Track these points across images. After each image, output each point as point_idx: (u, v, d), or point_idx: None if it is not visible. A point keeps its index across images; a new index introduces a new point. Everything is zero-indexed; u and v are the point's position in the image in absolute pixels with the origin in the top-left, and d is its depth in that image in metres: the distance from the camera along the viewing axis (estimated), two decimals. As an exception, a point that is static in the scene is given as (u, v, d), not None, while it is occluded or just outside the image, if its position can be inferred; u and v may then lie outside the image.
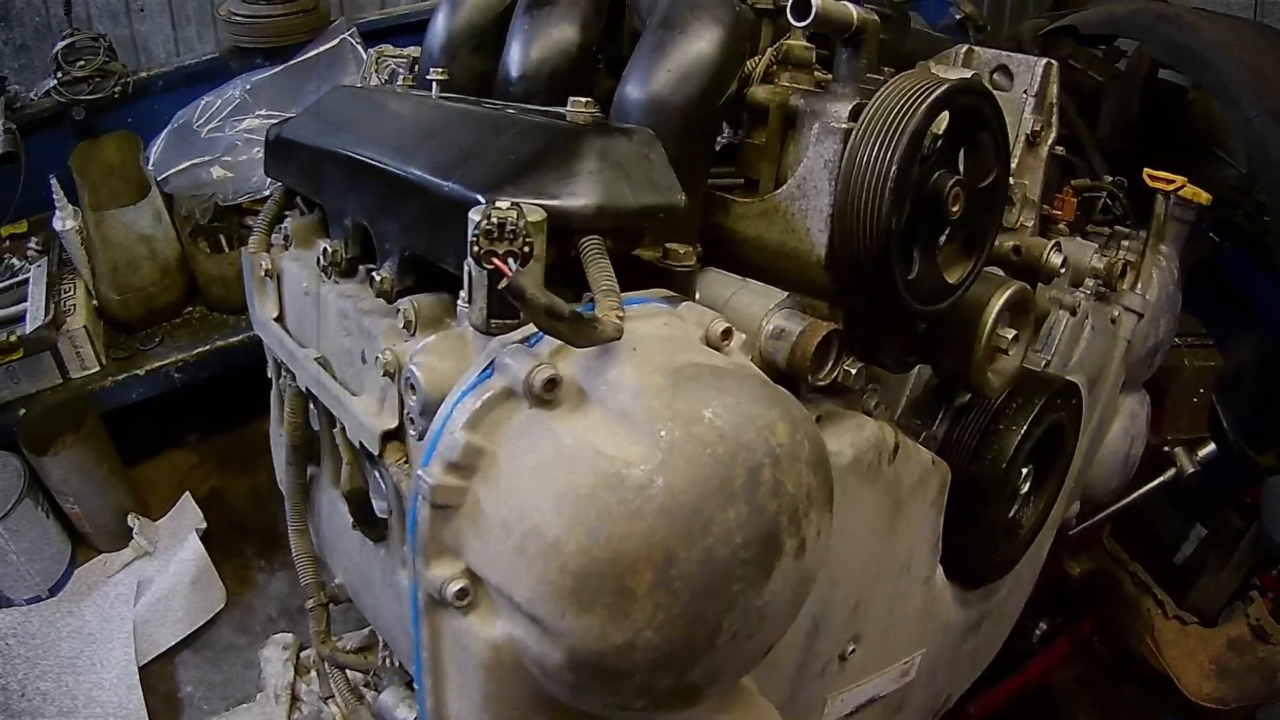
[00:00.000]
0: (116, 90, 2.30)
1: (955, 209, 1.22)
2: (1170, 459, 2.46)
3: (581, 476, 0.89)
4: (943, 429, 1.60)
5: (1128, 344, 2.15)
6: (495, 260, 0.93)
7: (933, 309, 1.27)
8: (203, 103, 2.56)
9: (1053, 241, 1.71)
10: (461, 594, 0.98)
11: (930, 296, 1.26)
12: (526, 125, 1.22)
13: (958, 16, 2.91)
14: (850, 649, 1.45)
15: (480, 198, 1.06)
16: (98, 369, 2.60)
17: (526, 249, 0.94)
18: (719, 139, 1.95)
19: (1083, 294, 1.98)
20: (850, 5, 1.21)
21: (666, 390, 0.93)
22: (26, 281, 2.54)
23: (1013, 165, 1.77)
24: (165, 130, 2.51)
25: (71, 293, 2.64)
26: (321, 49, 2.90)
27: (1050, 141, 1.81)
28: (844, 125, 1.18)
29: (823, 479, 1.00)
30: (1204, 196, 2.17)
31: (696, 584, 0.87)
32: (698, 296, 1.31)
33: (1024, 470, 1.67)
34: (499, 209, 0.93)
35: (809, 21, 1.16)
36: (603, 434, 0.91)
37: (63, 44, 2.27)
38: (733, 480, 0.89)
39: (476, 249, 0.93)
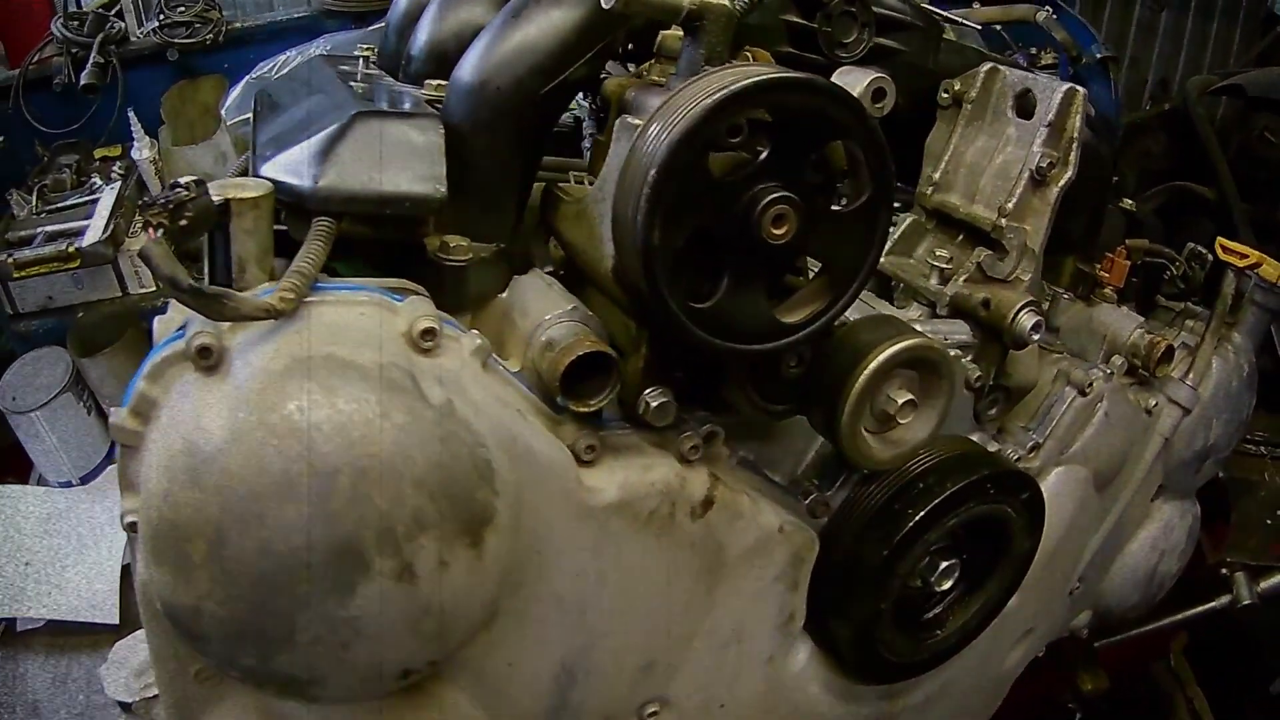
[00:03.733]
0: (209, 37, 2.44)
1: (780, 232, 0.98)
2: (1227, 583, 1.98)
3: (178, 440, 0.86)
4: (839, 496, 1.33)
5: (1165, 441, 1.73)
6: (150, 229, 0.88)
7: (753, 350, 1.03)
8: (284, 57, 2.65)
9: (1025, 301, 1.37)
10: (132, 527, 0.93)
11: (747, 334, 1.02)
12: (329, 104, 1.11)
13: (1098, 55, 2.49)
14: (651, 711, 1.23)
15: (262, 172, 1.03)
16: (154, 289, 2.58)
17: (182, 221, 0.88)
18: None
19: (1101, 372, 1.60)
20: None
21: (275, 376, 0.85)
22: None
23: (1011, 205, 1.45)
24: (244, 79, 2.66)
25: (140, 217, 2.87)
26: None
27: (1065, 182, 1.46)
28: (637, 122, 0.96)
29: (449, 508, 0.87)
30: None
31: (254, 571, 0.84)
32: (505, 296, 1.16)
33: (938, 563, 1.35)
34: (183, 182, 0.90)
35: (613, 4, 0.97)
36: (212, 405, 0.86)
37: (165, -12, 2.45)
38: (295, 479, 0.82)
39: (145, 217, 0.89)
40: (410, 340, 0.94)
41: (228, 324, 0.89)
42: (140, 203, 0.95)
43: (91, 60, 2.24)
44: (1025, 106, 1.47)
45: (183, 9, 2.38)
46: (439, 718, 1.05)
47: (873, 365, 1.08)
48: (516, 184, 1.12)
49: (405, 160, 1.03)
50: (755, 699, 1.27)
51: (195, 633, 0.89)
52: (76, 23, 2.32)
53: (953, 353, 1.35)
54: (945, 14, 1.86)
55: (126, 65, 2.35)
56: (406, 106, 1.16)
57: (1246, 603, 1.93)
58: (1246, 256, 1.64)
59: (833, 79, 1.11)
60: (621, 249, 0.93)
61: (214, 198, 0.96)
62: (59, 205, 2.35)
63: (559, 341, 1.00)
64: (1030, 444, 1.52)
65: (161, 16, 2.36)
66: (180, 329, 0.93)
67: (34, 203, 2.25)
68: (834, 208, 0.99)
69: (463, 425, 0.90)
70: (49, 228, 2.32)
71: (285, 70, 2.40)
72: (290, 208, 1.05)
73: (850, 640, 1.28)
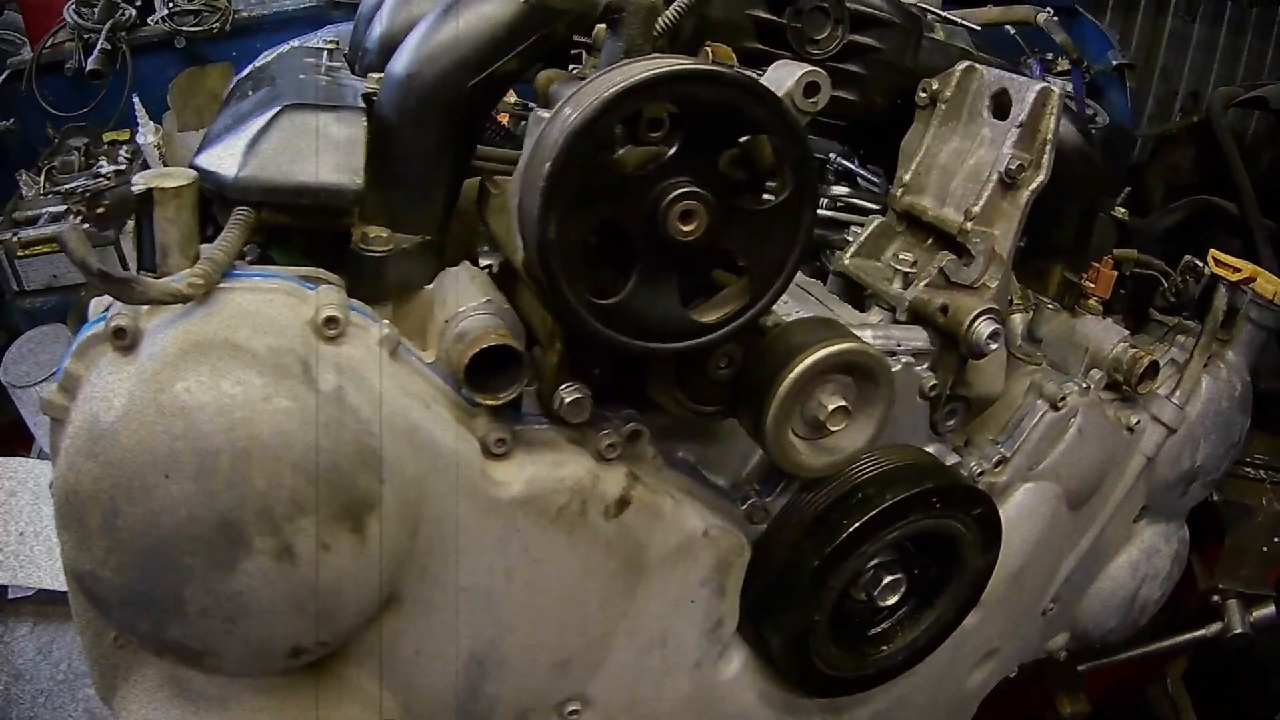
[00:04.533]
0: (216, 26, 2.50)
1: (689, 229, 0.96)
2: (1218, 611, 1.90)
3: (87, 414, 0.89)
4: (780, 502, 1.30)
5: (1148, 461, 1.67)
6: (71, 215, 0.91)
7: (663, 349, 1.01)
8: (286, 47, 2.69)
9: (984, 308, 1.33)
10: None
11: (657, 333, 1.00)
12: (271, 96, 1.13)
13: (1114, 62, 2.41)
14: (571, 709, 1.21)
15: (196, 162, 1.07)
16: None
17: (99, 209, 0.92)
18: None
19: (1076, 385, 1.55)
20: None
21: (171, 357, 0.88)
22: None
23: (977, 208, 1.40)
24: (248, 67, 2.68)
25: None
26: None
27: (1037, 185, 1.40)
28: (545, 115, 0.94)
29: (329, 492, 0.89)
30: None
31: (143, 542, 0.88)
32: (432, 287, 1.17)
33: (881, 577, 1.31)
34: (104, 171, 0.94)
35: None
36: (117, 383, 0.89)
37: (177, -22, 2.51)
38: (179, 457, 0.86)
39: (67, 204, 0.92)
40: (315, 327, 0.95)
41: (145, 307, 0.92)
42: (64, 190, 0.99)
43: (99, 47, 2.31)
44: (1002, 106, 1.43)
45: (191, -1, 2.45)
46: (347, 699, 1.06)
47: (799, 369, 1.05)
48: (444, 177, 1.12)
49: (325, 152, 1.05)
50: (683, 704, 1.25)
51: (97, 597, 0.93)
52: (88, 9, 2.40)
53: (905, 360, 1.32)
54: (943, 14, 1.82)
55: (136, 52, 2.42)
56: (349, 99, 1.18)
57: (1238, 632, 1.85)
58: (1240, 270, 1.57)
59: (767, 73, 1.09)
60: (525, 242, 0.93)
61: (138, 187, 0.99)
62: (66, 187, 2.43)
63: (468, 334, 1.00)
64: (996, 458, 1.47)
65: (171, 4, 2.42)
66: (105, 311, 0.96)
67: (42, 183, 2.33)
68: (755, 206, 0.98)
69: (350, 412, 0.91)
70: (53, 208, 2.40)
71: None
72: (216, 197, 1.07)
73: (783, 650, 1.25)
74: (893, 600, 1.31)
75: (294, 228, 1.12)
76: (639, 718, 1.24)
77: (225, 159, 1.06)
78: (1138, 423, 1.60)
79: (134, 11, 2.43)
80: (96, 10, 2.39)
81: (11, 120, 2.43)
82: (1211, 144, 2.44)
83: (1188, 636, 1.89)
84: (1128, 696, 2.21)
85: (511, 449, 1.04)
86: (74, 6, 2.38)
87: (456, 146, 1.12)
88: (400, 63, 1.10)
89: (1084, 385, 1.52)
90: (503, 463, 1.03)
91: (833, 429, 1.12)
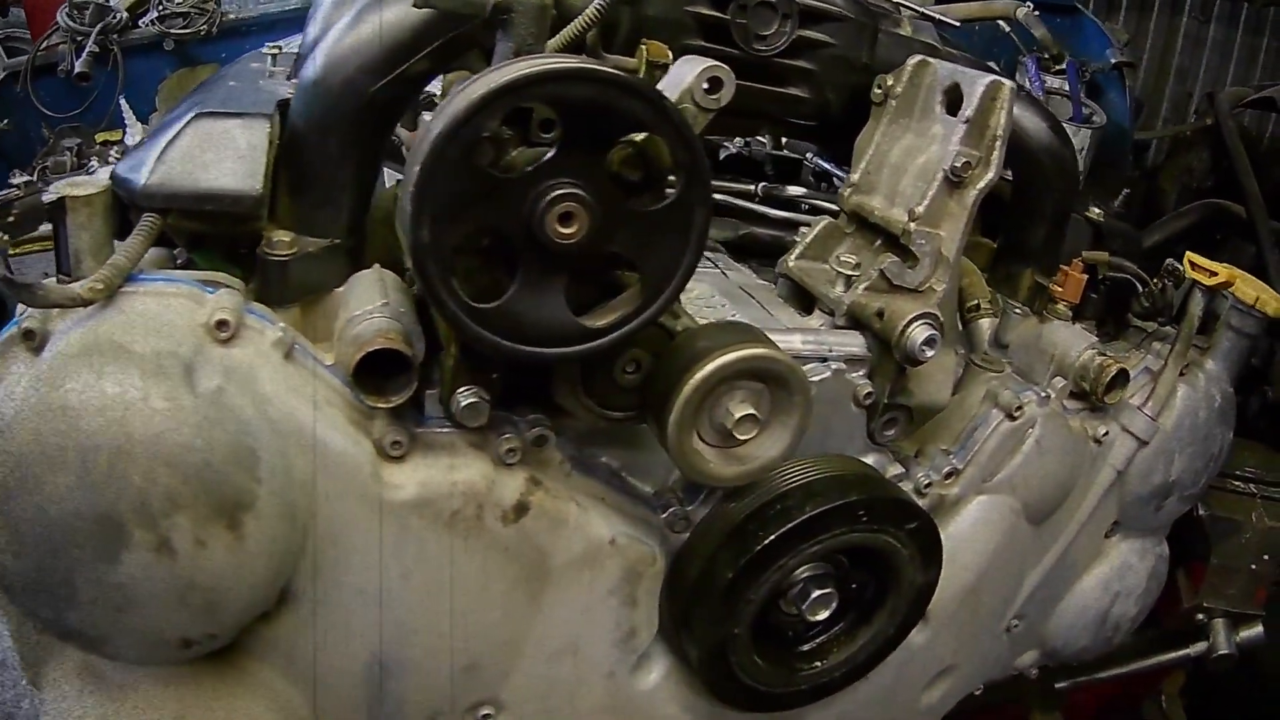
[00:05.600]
0: (204, 28, 2.58)
1: (569, 231, 0.96)
2: (1203, 630, 1.84)
3: None
4: (701, 512, 1.28)
5: (1118, 475, 1.62)
6: None
7: (549, 354, 1.01)
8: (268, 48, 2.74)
9: (919, 312, 1.30)
10: None
11: (543, 338, 1.00)
12: (194, 103, 1.15)
13: (1113, 61, 2.36)
14: (484, 713, 1.20)
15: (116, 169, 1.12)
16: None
17: (9, 218, 0.96)
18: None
19: (1035, 394, 1.51)
20: None
21: (64, 359, 0.93)
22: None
23: (921, 208, 1.37)
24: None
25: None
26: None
27: (986, 183, 1.36)
28: (428, 118, 0.97)
29: (202, 490, 0.93)
30: (1274, 305, 1.55)
31: (36, 530, 0.93)
32: (341, 290, 1.18)
33: (810, 591, 1.30)
34: (15, 181, 0.98)
35: (416, 2, 0.97)
36: (21, 381, 0.94)
37: (166, -20, 2.60)
38: (62, 452, 0.91)
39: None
40: (208, 330, 0.99)
41: (56, 310, 0.96)
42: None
43: (87, 49, 2.40)
44: (955, 102, 1.39)
45: (180, 1, 2.52)
46: (251, 693, 1.09)
47: (700, 375, 1.05)
48: (351, 181, 1.14)
49: (228, 159, 1.08)
50: (600, 713, 1.25)
51: (4, 583, 0.98)
52: (79, 12, 2.49)
53: (836, 366, 1.31)
54: (919, 9, 1.79)
55: (127, 54, 2.51)
56: (268, 107, 1.21)
57: (1223, 653, 1.78)
58: (1216, 275, 1.52)
59: (671, 69, 1.09)
60: (404, 245, 0.94)
61: (50, 195, 1.04)
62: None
63: (360, 337, 1.02)
64: (947, 469, 1.44)
65: (160, 7, 2.51)
66: (23, 314, 1.01)
67: (35, 183, 2.42)
68: (644, 208, 0.98)
69: (227, 413, 0.94)
70: (45, 208, 2.48)
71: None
72: (129, 204, 1.11)
73: (702, 663, 1.23)
74: (824, 615, 1.28)
75: (213, 234, 1.16)
76: (556, 725, 1.25)
77: (137, 167, 1.10)
78: (1106, 434, 1.55)
79: (125, 15, 2.52)
80: (88, 14, 2.48)
81: (4, 121, 2.53)
82: (1225, 146, 2.37)
83: (1172, 655, 1.83)
84: (1122, 713, 2.15)
85: (409, 452, 1.06)
86: (67, 10, 2.48)
87: (363, 150, 1.13)
88: (308, 69, 1.13)
89: (1044, 394, 1.49)
90: (397, 465, 1.05)
91: (741, 437, 1.12)
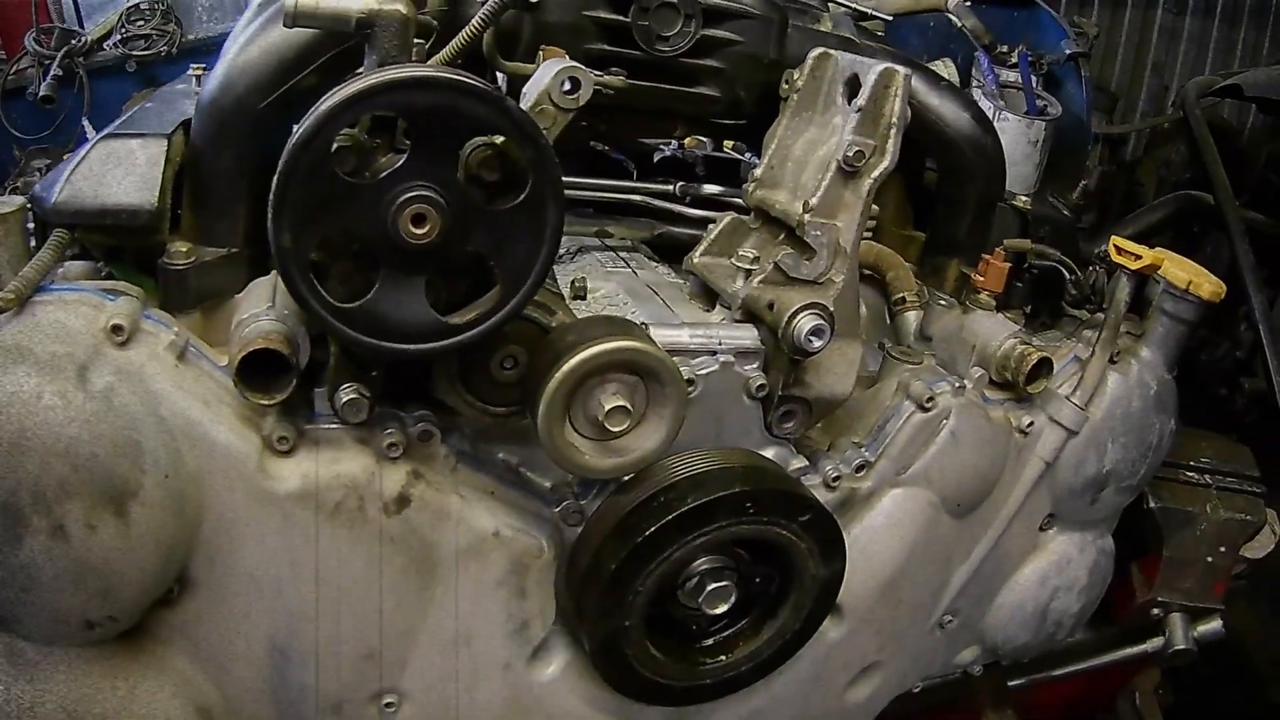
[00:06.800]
0: (164, 50, 2.76)
1: (422, 232, 1.06)
2: (1160, 625, 1.88)
3: None
4: (594, 505, 1.33)
5: (1047, 466, 1.68)
6: None
7: (410, 350, 1.10)
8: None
9: (806, 303, 1.36)
10: None
11: (405, 335, 1.10)
12: (115, 125, 1.30)
13: (1067, 51, 2.42)
14: (388, 702, 1.29)
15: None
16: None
17: None
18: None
19: (949, 385, 1.57)
20: (349, 2, 1.11)
21: None
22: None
23: (814, 200, 1.41)
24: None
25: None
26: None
27: (880, 172, 1.41)
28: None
29: (90, 478, 1.06)
30: (1207, 288, 1.60)
31: None
32: (241, 295, 1.30)
33: (705, 584, 1.35)
34: None
35: (284, 20, 1.09)
36: None
37: (128, 5, 2.78)
38: None
39: None
40: (105, 334, 1.11)
41: None
42: None
43: (50, 73, 2.59)
44: (856, 92, 1.45)
45: (141, 23, 2.70)
46: (158, 677, 1.19)
47: (565, 368, 1.14)
48: (244, 193, 1.26)
49: (128, 176, 1.21)
50: (500, 704, 1.33)
51: None
52: (46, 36, 2.69)
53: (724, 359, 1.38)
54: (848, 4, 1.87)
55: (93, 76, 2.71)
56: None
57: (1180, 648, 1.81)
58: (1140, 258, 1.57)
59: (536, 71, 1.20)
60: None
61: None
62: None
63: (244, 339, 1.14)
64: (859, 462, 1.49)
65: (124, 30, 2.69)
66: None
67: (5, 205, 2.59)
68: (497, 207, 1.09)
69: (116, 409, 1.05)
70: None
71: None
72: (43, 220, 1.25)
73: (596, 654, 1.30)
74: (723, 609, 1.34)
75: (122, 246, 1.30)
76: (456, 715, 1.35)
77: (49, 186, 1.23)
78: (1031, 424, 1.59)
79: (89, 39, 2.71)
80: (54, 38, 2.67)
81: (-25, 143, 2.73)
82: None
83: (1127, 652, 1.87)
84: (1091, 712, 2.19)
85: (296, 446, 1.16)
86: (33, 35, 2.67)
87: (254, 163, 1.25)
88: (205, 90, 1.26)
89: (959, 384, 1.54)
90: (283, 459, 1.15)
91: (614, 429, 1.21)
